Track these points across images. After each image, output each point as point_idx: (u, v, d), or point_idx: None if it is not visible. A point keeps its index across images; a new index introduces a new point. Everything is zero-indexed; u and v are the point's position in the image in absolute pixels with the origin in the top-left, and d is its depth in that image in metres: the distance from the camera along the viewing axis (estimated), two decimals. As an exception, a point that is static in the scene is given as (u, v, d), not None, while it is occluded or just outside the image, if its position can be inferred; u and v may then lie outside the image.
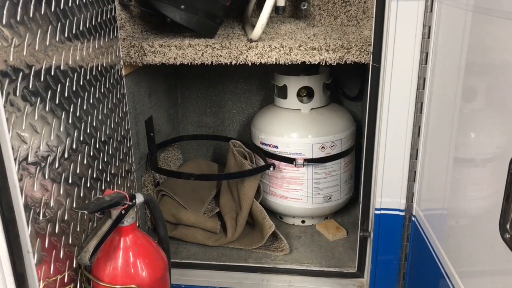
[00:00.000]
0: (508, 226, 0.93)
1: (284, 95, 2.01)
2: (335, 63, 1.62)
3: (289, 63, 1.63)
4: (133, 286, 1.08)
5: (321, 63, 1.62)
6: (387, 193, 1.57)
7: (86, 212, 1.06)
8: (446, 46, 1.30)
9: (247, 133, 2.19)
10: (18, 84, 0.92)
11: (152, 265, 1.14)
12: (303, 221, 2.11)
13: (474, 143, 1.16)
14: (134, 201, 1.10)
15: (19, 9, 0.94)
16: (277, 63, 1.63)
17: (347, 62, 1.61)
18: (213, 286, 1.78)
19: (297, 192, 2.00)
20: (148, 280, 1.12)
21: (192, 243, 1.98)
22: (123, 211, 1.09)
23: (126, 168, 1.57)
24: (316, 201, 2.02)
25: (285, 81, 1.98)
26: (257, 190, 1.98)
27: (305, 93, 2.01)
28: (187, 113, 2.44)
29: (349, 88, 2.26)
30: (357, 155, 2.10)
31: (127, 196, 1.09)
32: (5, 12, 0.89)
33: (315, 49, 1.59)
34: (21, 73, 0.93)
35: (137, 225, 1.15)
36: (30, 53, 0.97)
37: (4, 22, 0.89)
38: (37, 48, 1.00)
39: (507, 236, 0.93)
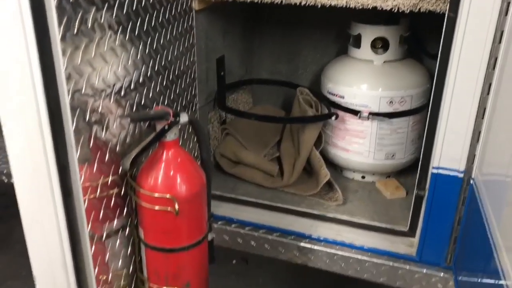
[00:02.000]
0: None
1: (357, 45, 1.95)
2: (408, 11, 1.53)
3: (360, 7, 1.58)
4: (168, 196, 1.16)
5: (393, 10, 1.55)
6: (448, 152, 1.49)
7: (129, 119, 1.14)
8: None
9: (319, 84, 2.17)
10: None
11: (190, 180, 1.20)
12: (363, 177, 2.08)
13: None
14: (178, 118, 1.16)
15: None
16: (348, 6, 1.58)
17: (421, 10, 1.52)
18: (263, 224, 1.83)
19: (359, 145, 1.97)
20: (184, 193, 1.19)
21: (249, 182, 2.04)
22: (166, 126, 1.15)
23: (188, 99, 1.64)
24: (378, 156, 1.97)
25: (360, 29, 1.92)
26: (318, 139, 1.98)
27: (381, 45, 1.94)
28: (262, 58, 2.46)
29: (431, 46, 2.13)
30: (430, 116, 2.00)
31: (171, 112, 1.15)
32: None
33: (387, -7, 1.52)
34: None
35: (179, 142, 1.21)
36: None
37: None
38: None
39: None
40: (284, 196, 1.97)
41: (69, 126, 0.97)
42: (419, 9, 1.53)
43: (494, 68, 1.34)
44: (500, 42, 1.31)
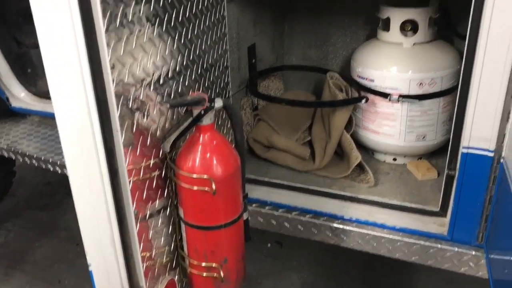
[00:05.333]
0: None
1: (387, 28, 1.97)
2: (436, -6, 1.55)
3: (388, -9, 1.60)
4: (205, 176, 1.23)
5: (421, -9, 1.57)
6: (478, 132, 1.51)
7: (168, 104, 1.22)
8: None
9: (349, 69, 2.20)
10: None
11: (225, 162, 1.27)
12: (394, 159, 2.11)
13: None
14: (213, 104, 1.23)
15: None
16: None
17: (449, -8, 1.53)
18: (296, 206, 1.89)
19: (390, 128, 1.99)
20: (220, 174, 1.26)
21: (282, 166, 2.10)
22: (202, 111, 1.22)
23: (221, 86, 1.70)
24: (408, 138, 1.99)
25: (389, 12, 1.94)
26: (349, 123, 2.02)
27: (410, 27, 1.95)
28: (292, 45, 2.51)
29: (462, 26, 2.12)
30: (461, 97, 2.00)
31: (207, 98, 1.22)
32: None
33: (415, -25, 1.54)
34: None
35: (215, 126, 1.28)
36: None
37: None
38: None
39: None
40: (316, 179, 2.02)
41: (115, 112, 1.05)
42: (447, -10, 1.54)
43: (523, 47, 1.35)
44: (528, 20, 1.32)
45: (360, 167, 1.98)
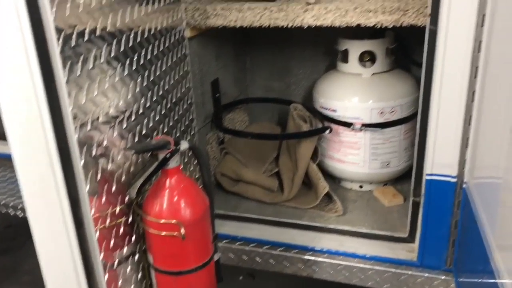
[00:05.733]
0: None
1: (345, 59, 2.02)
2: (391, 26, 1.61)
3: (345, 26, 1.65)
4: (174, 221, 1.21)
5: (376, 26, 1.62)
6: (439, 159, 1.55)
7: (133, 151, 1.20)
8: (505, 7, 1.25)
9: (312, 99, 2.24)
10: (88, 37, 1.07)
11: (194, 205, 1.26)
12: (360, 186, 2.14)
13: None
14: (178, 146, 1.22)
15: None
16: (333, 25, 1.65)
17: (404, 25, 1.59)
18: (267, 240, 1.88)
19: (354, 156, 2.03)
20: (189, 218, 1.24)
21: (250, 199, 2.09)
22: (168, 155, 1.21)
23: (186, 123, 1.70)
24: (373, 166, 2.03)
25: (347, 45, 1.99)
26: (315, 153, 2.04)
27: (368, 58, 2.01)
28: (255, 77, 2.53)
29: (418, 54, 2.20)
30: (421, 123, 2.06)
31: (172, 141, 1.21)
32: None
33: (370, 11, 1.59)
34: (89, 28, 1.07)
35: (181, 168, 1.27)
36: (99, 10, 1.10)
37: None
38: (104, 3, 1.14)
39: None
40: (286, 211, 2.02)
41: (78, 161, 1.03)
42: (401, 24, 1.60)
43: (475, 76, 1.41)
44: (479, 51, 1.38)
45: (328, 196, 2.00)
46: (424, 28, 1.54)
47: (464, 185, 1.54)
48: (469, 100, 1.44)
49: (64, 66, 0.96)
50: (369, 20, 1.61)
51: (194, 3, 1.81)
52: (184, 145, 1.24)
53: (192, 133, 1.76)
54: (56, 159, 1.01)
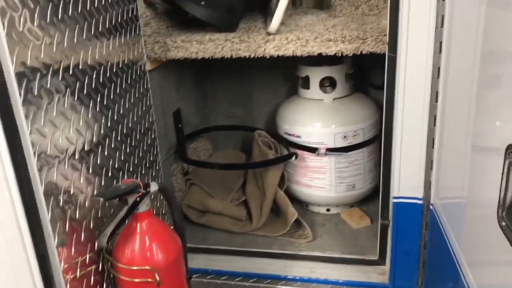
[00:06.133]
0: (504, 214, 0.94)
1: (307, 86, 2.04)
2: (351, 54, 1.63)
3: (306, 55, 1.67)
4: (147, 267, 1.17)
5: (337, 54, 1.64)
6: (405, 182, 1.58)
7: (102, 199, 1.15)
8: (460, 35, 1.30)
9: (274, 123, 2.25)
10: (49, 78, 1.02)
11: (166, 249, 1.22)
12: (328, 210, 2.15)
13: (491, 131, 1.16)
14: (148, 189, 1.18)
15: (48, 11, 1.03)
16: (294, 55, 1.66)
17: (363, 53, 1.62)
18: (238, 271, 1.85)
19: (321, 180, 2.04)
20: (162, 263, 1.20)
21: (219, 230, 2.06)
22: (138, 199, 1.17)
23: (151, 159, 1.66)
24: (339, 189, 2.05)
25: (308, 71, 2.01)
26: (282, 179, 2.04)
27: (328, 83, 2.03)
28: (216, 104, 2.52)
29: (375, 77, 2.25)
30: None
31: (142, 184, 1.17)
32: (36, 15, 0.99)
33: (330, 40, 1.61)
34: (50, 69, 1.03)
35: (152, 211, 1.23)
36: (60, 50, 1.06)
37: (36, 23, 0.99)
38: (65, 45, 1.10)
39: (503, 224, 0.94)
40: (255, 239, 2.00)
41: (45, 216, 0.98)
42: (361, 51, 1.63)
43: (436, 101, 1.45)
44: (438, 77, 1.42)
45: (297, 222, 2.00)
46: (369, 53, 1.59)
47: (431, 206, 1.57)
48: (431, 124, 1.48)
49: (26, 117, 0.92)
50: (329, 49, 1.63)
51: (153, 36, 1.79)
52: (153, 187, 1.20)
53: (157, 168, 1.72)
54: (22, 216, 0.95)
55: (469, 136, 1.28)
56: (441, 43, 1.38)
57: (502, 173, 0.94)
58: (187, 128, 2.22)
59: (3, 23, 0.89)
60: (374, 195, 2.20)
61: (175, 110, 2.08)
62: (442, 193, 1.50)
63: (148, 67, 1.72)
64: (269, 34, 1.67)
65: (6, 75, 0.89)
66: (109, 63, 1.32)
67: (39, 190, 0.96)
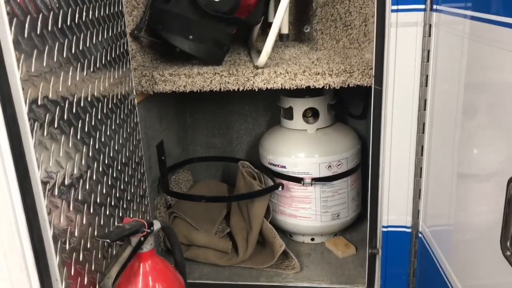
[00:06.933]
0: (508, 243, 0.98)
1: (290, 117, 2.07)
2: (338, 87, 1.68)
3: (295, 88, 1.70)
4: (153, 309, 1.14)
5: (325, 87, 1.68)
6: (394, 211, 1.62)
7: (108, 240, 1.12)
8: (445, 69, 1.36)
9: (255, 153, 2.26)
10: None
11: (171, 289, 1.20)
12: (312, 239, 2.16)
13: (475, 159, 1.21)
14: (152, 228, 1.16)
15: (45, 56, 1.01)
16: (283, 88, 1.69)
17: (350, 86, 1.67)
18: (226, 306, 1.82)
19: (306, 210, 2.05)
20: (167, 303, 1.18)
21: (204, 263, 2.03)
22: (142, 238, 1.15)
23: (141, 193, 1.63)
24: (324, 219, 2.06)
25: (291, 103, 2.04)
26: (267, 210, 2.04)
27: (311, 114, 2.07)
28: (196, 135, 2.51)
29: (354, 107, 2.31)
30: (364, 172, 2.15)
31: (146, 223, 1.15)
32: (33, 60, 0.96)
33: (319, 74, 1.65)
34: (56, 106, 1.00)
35: (155, 250, 1.20)
36: (64, 86, 1.05)
37: (33, 69, 0.97)
38: (69, 83, 1.08)
39: (508, 253, 0.98)
40: (242, 272, 1.98)
41: (53, 260, 0.94)
42: (348, 84, 1.67)
43: (423, 132, 1.50)
44: (425, 109, 1.48)
45: (283, 253, 1.99)
46: (356, 85, 1.64)
47: (419, 234, 1.61)
48: (418, 154, 1.53)
49: (38, 166, 0.89)
50: (318, 82, 1.67)
51: (140, 69, 1.78)
52: (157, 225, 1.18)
53: (145, 203, 1.68)
54: (31, 262, 0.91)
55: (454, 165, 1.34)
56: (427, 76, 1.44)
57: (505, 206, 0.98)
58: (169, 160, 2.20)
59: (20, 68, 0.88)
60: (357, 224, 2.23)
61: (158, 142, 2.06)
62: (431, 221, 1.54)
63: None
64: (257, 67, 1.69)
65: (19, 118, 0.87)
66: (105, 99, 1.30)
67: (48, 234, 0.93)
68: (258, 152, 2.17)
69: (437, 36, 1.39)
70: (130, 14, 1.74)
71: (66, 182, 1.04)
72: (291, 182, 2.02)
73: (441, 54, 1.38)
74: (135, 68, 1.77)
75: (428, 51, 1.42)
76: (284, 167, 2.03)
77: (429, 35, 1.40)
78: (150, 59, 1.93)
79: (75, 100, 1.11)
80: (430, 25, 1.39)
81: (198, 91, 1.73)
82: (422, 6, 1.39)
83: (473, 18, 1.15)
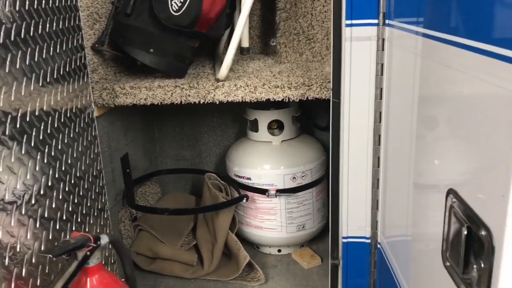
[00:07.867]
0: (448, 254, 0.99)
1: (255, 129, 2.08)
2: (297, 100, 1.70)
3: (255, 101, 1.71)
4: (99, 325, 1.13)
5: (284, 100, 1.70)
6: (353, 222, 1.63)
7: (50, 255, 1.11)
8: (398, 82, 1.39)
9: (224, 165, 2.26)
10: None
11: (118, 303, 1.19)
12: (279, 250, 2.16)
13: (423, 171, 1.23)
14: (98, 242, 1.15)
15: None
16: (243, 101, 1.70)
17: (309, 98, 1.69)
18: (190, 319, 1.81)
19: (271, 222, 2.06)
20: (115, 319, 1.17)
21: (170, 276, 2.02)
22: (88, 253, 1.14)
23: (99, 207, 1.62)
24: (290, 230, 2.07)
25: (256, 115, 2.06)
26: (233, 221, 2.04)
27: (276, 126, 2.09)
28: (165, 147, 2.51)
29: (321, 119, 2.34)
30: (329, 183, 2.16)
31: (92, 238, 1.14)
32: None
33: (278, 87, 1.67)
34: None
35: (102, 264, 1.20)
36: (7, 101, 1.04)
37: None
38: (12, 98, 1.08)
39: (447, 264, 1.00)
40: (207, 284, 1.97)
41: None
42: (307, 97, 1.69)
43: (379, 144, 1.52)
44: (380, 121, 1.50)
45: (249, 265, 1.99)
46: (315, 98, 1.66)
47: (378, 245, 1.62)
48: (375, 165, 1.54)
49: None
50: (277, 95, 1.68)
51: (101, 82, 1.78)
52: (104, 239, 1.17)
53: (105, 216, 1.68)
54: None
55: (410, 176, 1.36)
56: (381, 89, 1.47)
57: (444, 217, 1.00)
58: (135, 172, 2.19)
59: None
60: (323, 234, 2.24)
61: (123, 155, 2.05)
62: (388, 232, 1.55)
63: (96, 113, 1.70)
64: (218, 80, 1.71)
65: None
66: (57, 113, 1.30)
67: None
68: (225, 165, 2.17)
69: (390, 50, 1.41)
70: (92, 27, 1.75)
71: (7, 198, 1.03)
72: (256, 194, 2.03)
73: (394, 68, 1.40)
74: (97, 81, 1.77)
75: (382, 65, 1.44)
76: (250, 178, 2.03)
77: (383, 49, 1.43)
78: (114, 72, 1.93)
79: (19, 114, 1.10)
80: (383, 39, 1.42)
81: (159, 103, 1.73)
82: (375, 21, 1.41)
83: (423, 35, 1.18)
